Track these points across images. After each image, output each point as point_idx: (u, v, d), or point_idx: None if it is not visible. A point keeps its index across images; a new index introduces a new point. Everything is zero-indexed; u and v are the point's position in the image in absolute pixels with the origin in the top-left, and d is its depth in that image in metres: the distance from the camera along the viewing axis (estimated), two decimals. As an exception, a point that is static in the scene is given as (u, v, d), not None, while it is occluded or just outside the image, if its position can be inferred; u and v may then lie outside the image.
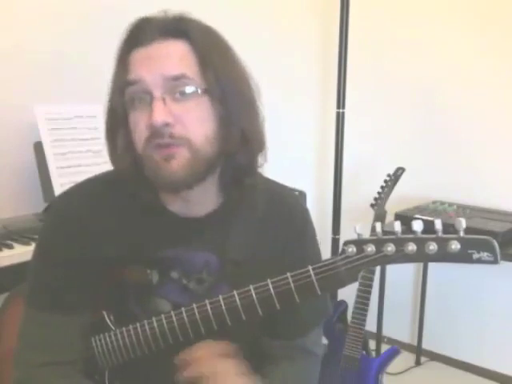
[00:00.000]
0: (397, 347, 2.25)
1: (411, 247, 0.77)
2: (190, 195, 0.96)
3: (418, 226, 0.78)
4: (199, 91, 0.90)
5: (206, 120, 0.91)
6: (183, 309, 0.94)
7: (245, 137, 0.94)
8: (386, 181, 2.25)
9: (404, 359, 2.78)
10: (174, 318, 0.94)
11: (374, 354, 2.39)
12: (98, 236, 0.99)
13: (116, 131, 0.96)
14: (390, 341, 2.94)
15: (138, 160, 0.93)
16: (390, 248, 0.78)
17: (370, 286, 2.13)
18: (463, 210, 2.48)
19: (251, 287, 0.89)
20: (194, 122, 0.90)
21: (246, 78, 0.97)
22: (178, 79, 0.89)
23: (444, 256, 0.76)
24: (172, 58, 0.90)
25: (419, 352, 2.87)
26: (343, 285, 0.85)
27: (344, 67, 2.62)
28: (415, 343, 2.89)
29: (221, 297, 0.91)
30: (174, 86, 0.89)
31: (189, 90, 0.89)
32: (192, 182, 0.92)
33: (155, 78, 0.88)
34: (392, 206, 2.24)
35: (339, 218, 2.75)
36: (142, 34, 0.91)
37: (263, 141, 0.99)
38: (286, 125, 2.85)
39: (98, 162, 1.87)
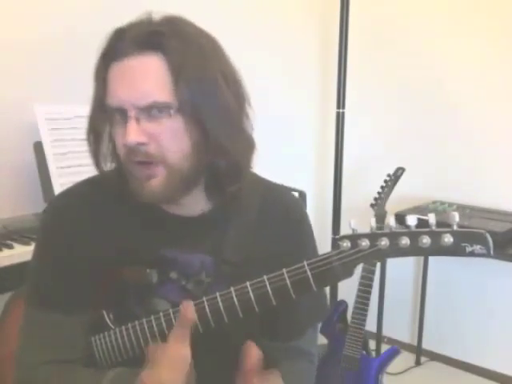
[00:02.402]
0: (397, 347, 2.25)
1: (405, 241, 0.77)
2: (179, 200, 0.97)
3: (411, 220, 0.78)
4: (171, 112, 0.89)
5: (181, 137, 0.91)
6: (181, 306, 0.94)
7: (223, 147, 0.92)
8: (386, 181, 2.25)
9: (404, 359, 2.77)
10: (172, 316, 0.94)
11: (374, 353, 2.39)
12: (97, 235, 0.99)
13: (100, 140, 0.97)
14: (390, 341, 2.94)
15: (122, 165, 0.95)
16: (384, 242, 0.79)
17: (370, 286, 2.13)
18: (463, 209, 2.47)
19: (247, 283, 0.89)
20: (169, 140, 0.90)
21: (229, 85, 0.94)
22: (151, 107, 0.88)
23: (437, 249, 0.77)
24: (144, 80, 0.88)
25: (419, 352, 2.88)
26: (338, 280, 0.85)
27: (344, 67, 2.63)
28: (415, 343, 2.90)
29: (218, 294, 0.91)
30: (148, 107, 0.89)
31: (161, 112, 0.89)
32: (172, 197, 0.94)
33: (129, 98, 0.88)
34: (392, 206, 2.23)
35: (339, 217, 2.76)
36: (116, 46, 0.90)
37: (248, 147, 0.98)
38: (286, 125, 2.86)
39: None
